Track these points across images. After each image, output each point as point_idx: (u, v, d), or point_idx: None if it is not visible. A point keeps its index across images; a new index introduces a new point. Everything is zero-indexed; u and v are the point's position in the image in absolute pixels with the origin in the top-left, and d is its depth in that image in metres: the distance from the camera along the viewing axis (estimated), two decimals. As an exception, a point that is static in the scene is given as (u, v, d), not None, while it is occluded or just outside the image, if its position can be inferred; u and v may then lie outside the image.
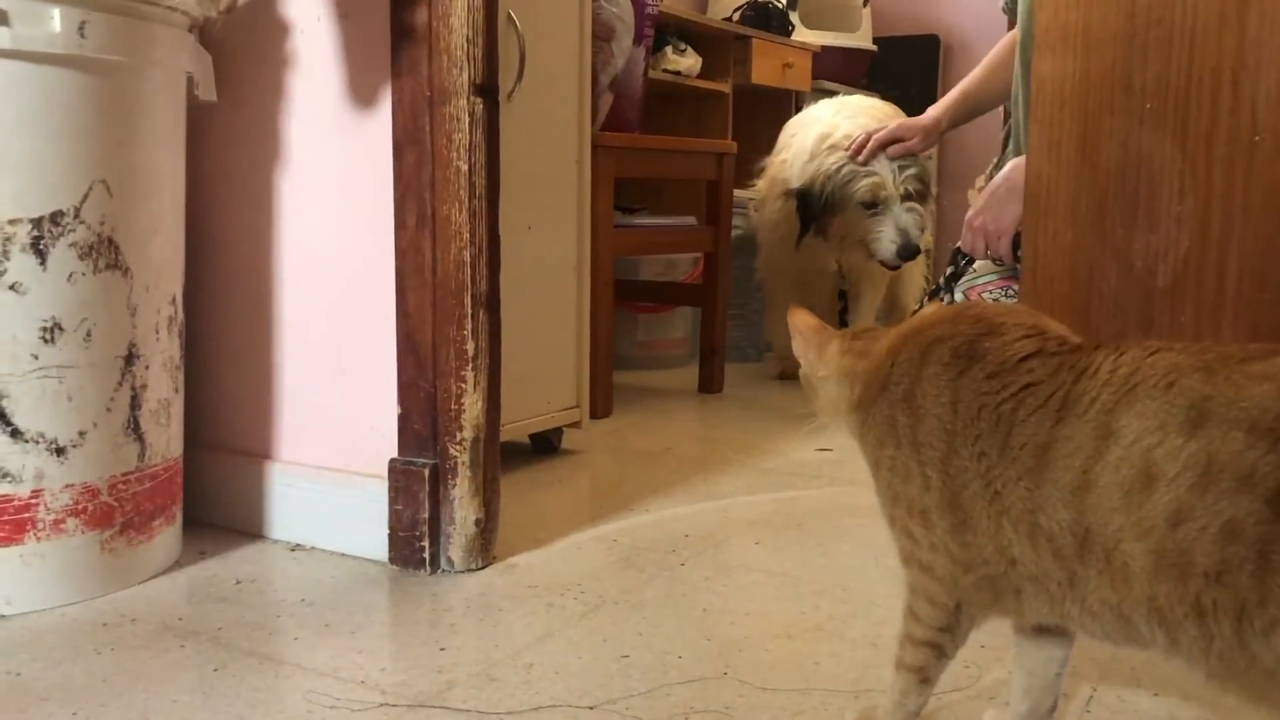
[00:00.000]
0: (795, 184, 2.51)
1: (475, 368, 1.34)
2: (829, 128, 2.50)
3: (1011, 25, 2.51)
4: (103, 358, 1.25)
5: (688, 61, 3.27)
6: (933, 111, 2.50)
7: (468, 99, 1.30)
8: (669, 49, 3.22)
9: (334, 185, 1.41)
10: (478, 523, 1.37)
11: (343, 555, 1.44)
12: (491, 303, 1.35)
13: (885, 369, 0.89)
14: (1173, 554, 0.68)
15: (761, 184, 2.76)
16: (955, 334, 0.86)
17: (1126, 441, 0.71)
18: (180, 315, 1.39)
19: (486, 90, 1.31)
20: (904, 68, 4.44)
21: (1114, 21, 1.46)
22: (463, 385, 1.34)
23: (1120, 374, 0.75)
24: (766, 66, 3.57)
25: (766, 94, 3.68)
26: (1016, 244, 2.04)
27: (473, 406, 1.35)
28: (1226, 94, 1.14)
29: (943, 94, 4.54)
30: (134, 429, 1.30)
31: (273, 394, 1.49)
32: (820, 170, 2.42)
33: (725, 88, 3.47)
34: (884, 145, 2.49)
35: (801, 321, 1.02)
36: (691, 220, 3.00)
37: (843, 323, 2.69)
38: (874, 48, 4.27)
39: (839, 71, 4.16)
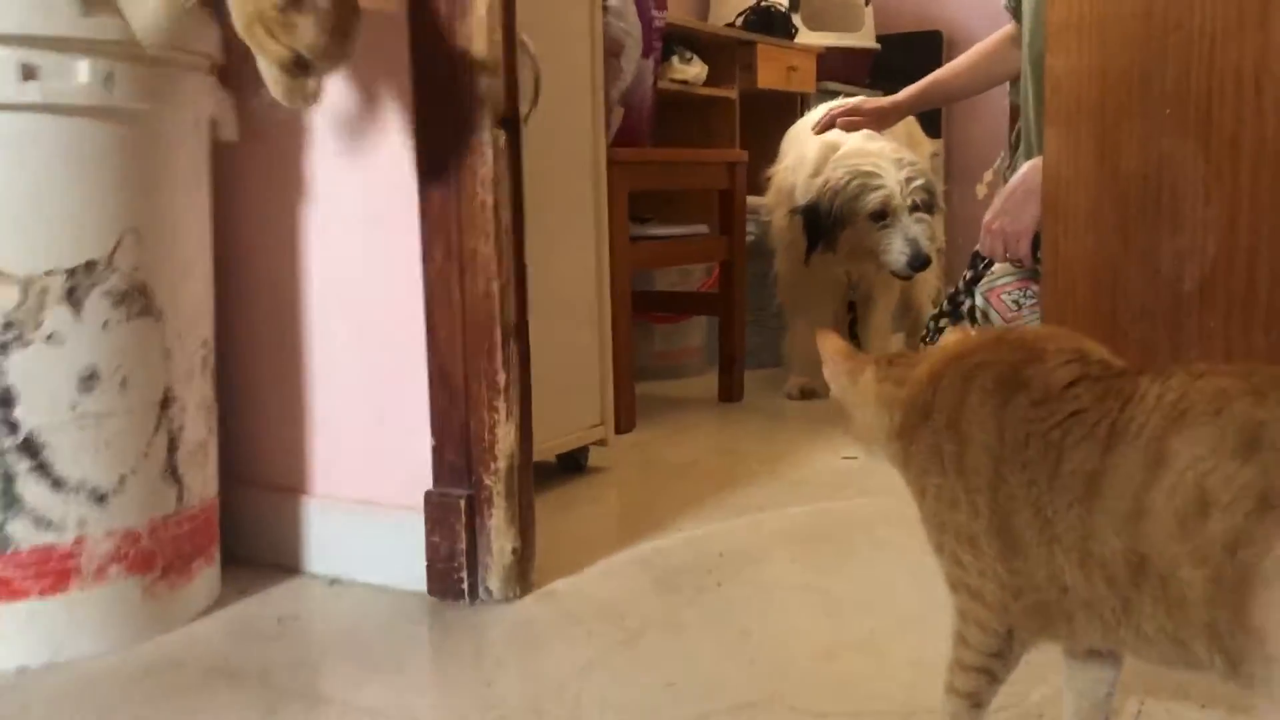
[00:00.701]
0: (801, 200, 2.50)
1: (507, 398, 1.34)
2: (835, 139, 2.49)
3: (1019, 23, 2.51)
4: (139, 403, 1.26)
5: (694, 70, 3.28)
6: (898, 95, 2.51)
7: (490, 131, 1.30)
8: (675, 58, 3.23)
9: (360, 219, 1.42)
10: (514, 551, 1.37)
11: (381, 588, 1.44)
12: (521, 332, 1.36)
13: (926, 396, 0.89)
14: (1231, 580, 0.68)
15: (769, 195, 2.76)
16: (997, 361, 0.86)
17: (1179, 468, 0.71)
18: (213, 356, 1.40)
19: (509, 122, 1.31)
20: (907, 64, 4.41)
21: (1130, 23, 1.46)
22: (495, 416, 1.35)
23: (1168, 400, 0.75)
24: (772, 71, 3.57)
25: (773, 98, 3.68)
26: (1035, 245, 2.04)
27: (506, 436, 1.35)
28: (1250, 97, 1.14)
29: (948, 92, 4.54)
30: (172, 472, 1.31)
31: (305, 429, 1.50)
32: (827, 185, 2.41)
33: (732, 94, 3.47)
34: (834, 119, 2.51)
35: (832, 347, 1.01)
36: (703, 228, 3.00)
37: (852, 333, 2.67)
38: (877, 46, 4.27)
39: (843, 71, 4.16)
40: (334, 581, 1.48)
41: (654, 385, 2.93)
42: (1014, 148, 2.43)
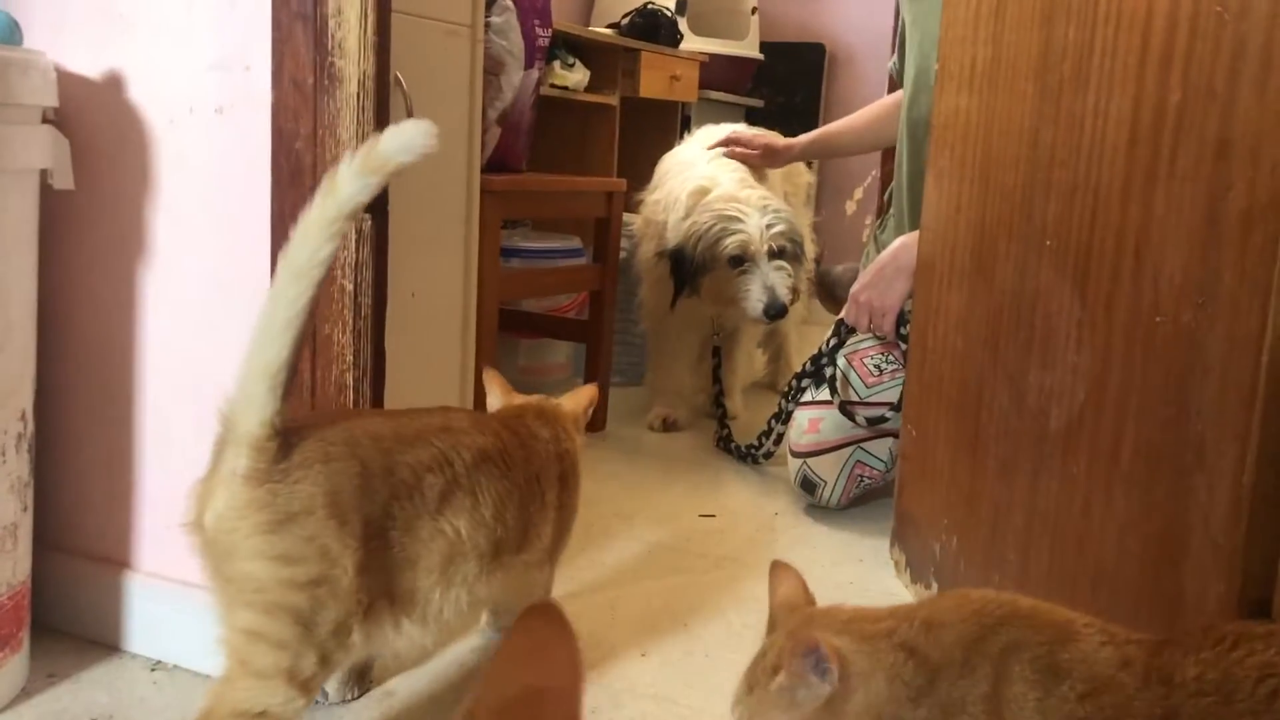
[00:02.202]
0: (670, 241, 2.46)
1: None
2: (708, 181, 2.45)
3: (894, 87, 2.52)
4: (-60, 493, 1.14)
5: (575, 77, 3.19)
6: (793, 140, 2.61)
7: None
8: (556, 63, 3.14)
9: (207, 288, 1.31)
10: (356, 654, 1.30)
11: (208, 678, 1.35)
12: (375, 426, 1.27)
13: (943, 678, 0.82)
14: None
15: (639, 223, 2.70)
16: (1031, 642, 0.81)
17: None
18: (31, 428, 1.27)
19: (376, 208, 1.23)
20: (790, 75, 4.44)
21: (1014, 142, 1.46)
22: (343, 514, 1.26)
23: (1210, 680, 0.73)
24: (654, 79, 3.52)
25: (655, 106, 3.63)
26: (901, 322, 2.05)
27: (353, 535, 1.27)
28: (1129, 262, 1.14)
29: (826, 103, 4.57)
30: (-24, 563, 1.19)
31: (132, 502, 1.39)
32: (693, 229, 2.38)
33: (613, 100, 3.40)
34: (732, 141, 2.58)
35: (785, 586, 0.93)
36: (575, 242, 2.94)
37: (715, 379, 2.65)
38: (760, 56, 4.25)
39: (726, 80, 4.13)
40: (156, 665, 1.38)
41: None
42: (885, 207, 2.44)
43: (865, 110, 2.57)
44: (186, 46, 1.27)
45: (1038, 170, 1.38)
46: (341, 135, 1.20)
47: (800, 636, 0.83)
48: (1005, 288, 1.46)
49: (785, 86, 4.45)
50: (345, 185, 0.97)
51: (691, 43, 3.88)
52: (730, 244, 2.34)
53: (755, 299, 2.36)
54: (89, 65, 1.32)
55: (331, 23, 1.19)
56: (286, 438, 1.00)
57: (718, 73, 4.02)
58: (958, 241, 1.64)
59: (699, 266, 2.37)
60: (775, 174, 2.74)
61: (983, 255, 1.55)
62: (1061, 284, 1.30)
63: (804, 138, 2.63)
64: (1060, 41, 1.33)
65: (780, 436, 2.30)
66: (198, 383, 1.33)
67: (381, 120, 1.22)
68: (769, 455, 2.37)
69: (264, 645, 1.00)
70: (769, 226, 2.35)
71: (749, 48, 4.19)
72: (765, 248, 2.35)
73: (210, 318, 1.32)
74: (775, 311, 2.37)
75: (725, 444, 2.49)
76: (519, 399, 1.44)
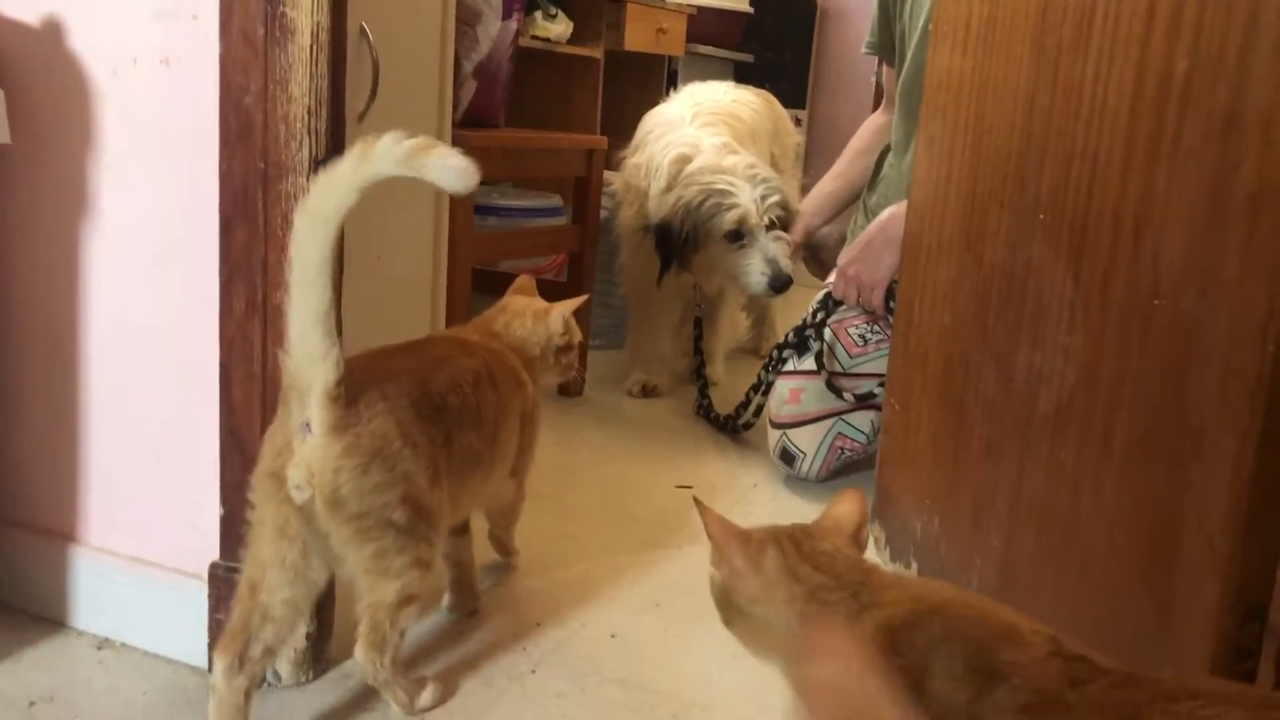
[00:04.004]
0: (654, 213, 2.35)
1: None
2: (689, 148, 2.34)
3: (880, 65, 2.43)
4: None
5: (558, 28, 3.10)
6: (805, 217, 2.43)
7: (308, 177, 1.14)
8: (538, 14, 3.04)
9: (153, 252, 1.24)
10: (308, 635, 1.25)
11: (156, 657, 1.30)
12: (330, 400, 1.21)
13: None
14: None
15: (619, 184, 2.60)
16: (965, 638, 0.74)
17: None
18: (-36, 397, 1.21)
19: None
20: (780, 30, 4.34)
21: (1010, 108, 1.39)
22: (295, 491, 1.20)
23: None
24: (640, 31, 3.42)
25: (640, 59, 3.53)
26: (890, 295, 1.99)
27: (306, 513, 1.21)
28: (1127, 241, 1.08)
29: (816, 58, 4.47)
30: (-95, 540, 1.13)
31: (79, 475, 1.32)
32: (680, 203, 2.26)
33: (597, 53, 3.31)
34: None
35: (721, 530, 0.88)
36: (555, 200, 2.86)
37: (697, 349, 2.57)
38: (750, 9, 4.15)
39: (714, 34, 4.03)
40: (104, 644, 1.32)
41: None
42: (875, 172, 2.36)
43: (848, 152, 2.48)
44: (129, -8, 1.19)
45: (1033, 138, 1.31)
46: (293, 90, 1.13)
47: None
48: (995, 262, 1.40)
49: (775, 42, 4.35)
50: (380, 162, 0.99)
51: (679, -5, 3.78)
52: (727, 220, 2.24)
53: (758, 273, 2.27)
54: (24, 9, 1.23)
55: (282, -31, 1.11)
56: (344, 383, 1.08)
57: (706, 26, 3.92)
58: (947, 211, 1.58)
59: (688, 241, 2.28)
60: (763, 135, 2.65)
61: (972, 227, 1.48)
62: (1054, 261, 1.23)
63: (814, 211, 2.48)
64: (1060, 2, 1.25)
65: (760, 408, 2.25)
66: (146, 350, 1.26)
67: (336, 75, 1.15)
68: (748, 426, 2.31)
69: (390, 557, 1.13)
70: (764, 198, 2.25)
71: (739, 1, 4.08)
72: (764, 220, 2.26)
73: (157, 282, 1.24)
74: (781, 284, 2.28)
75: (705, 412, 2.44)
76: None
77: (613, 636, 1.44)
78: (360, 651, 1.15)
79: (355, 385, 1.09)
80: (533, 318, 1.47)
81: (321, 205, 1.00)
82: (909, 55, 2.13)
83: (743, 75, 4.19)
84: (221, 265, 1.19)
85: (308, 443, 1.07)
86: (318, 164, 1.14)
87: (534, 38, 3.02)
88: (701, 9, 3.82)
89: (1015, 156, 1.35)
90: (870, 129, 2.47)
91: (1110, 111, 1.12)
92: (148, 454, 1.28)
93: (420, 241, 1.73)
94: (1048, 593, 1.22)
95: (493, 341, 1.42)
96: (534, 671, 1.34)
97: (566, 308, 1.49)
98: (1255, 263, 0.89)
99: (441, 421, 1.18)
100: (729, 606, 0.89)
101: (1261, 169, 0.90)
